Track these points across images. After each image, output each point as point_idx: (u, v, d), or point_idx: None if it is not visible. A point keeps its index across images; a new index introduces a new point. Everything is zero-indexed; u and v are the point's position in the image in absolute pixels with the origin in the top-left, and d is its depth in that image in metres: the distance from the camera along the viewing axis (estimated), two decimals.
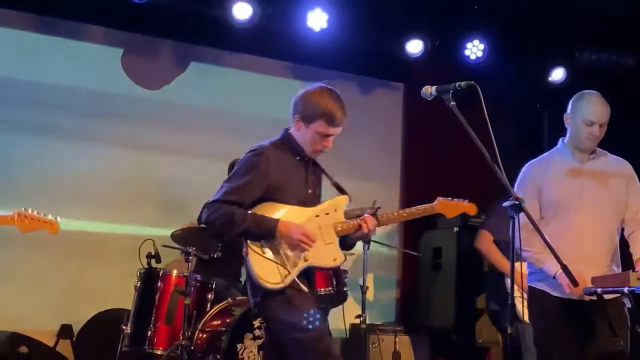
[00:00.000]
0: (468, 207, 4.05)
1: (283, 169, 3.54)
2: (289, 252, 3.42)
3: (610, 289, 3.62)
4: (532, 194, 3.94)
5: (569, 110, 4.06)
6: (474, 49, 6.72)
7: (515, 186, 4.03)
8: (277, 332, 3.48)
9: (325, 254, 3.51)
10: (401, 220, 4.35)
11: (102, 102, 6.21)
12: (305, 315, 3.34)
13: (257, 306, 3.46)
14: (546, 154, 4.14)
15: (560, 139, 4.13)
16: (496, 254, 5.38)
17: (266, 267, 3.35)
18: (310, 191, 3.61)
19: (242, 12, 5.95)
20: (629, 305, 3.73)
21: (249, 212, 3.40)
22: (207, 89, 6.60)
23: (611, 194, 3.98)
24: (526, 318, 4.92)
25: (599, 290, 3.66)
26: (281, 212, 3.47)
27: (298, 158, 3.61)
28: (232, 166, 5.77)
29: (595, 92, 4.04)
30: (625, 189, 4.01)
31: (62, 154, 6.06)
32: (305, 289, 3.39)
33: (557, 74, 6.99)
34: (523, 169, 4.10)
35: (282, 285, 3.36)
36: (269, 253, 3.38)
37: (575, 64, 6.98)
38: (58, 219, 3.82)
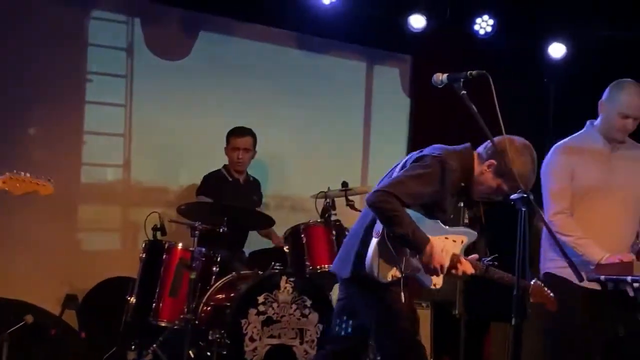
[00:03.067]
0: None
1: (452, 189, 3.49)
2: (412, 260, 3.43)
3: (614, 277, 3.64)
4: (567, 177, 3.93)
5: (605, 97, 3.99)
6: (483, 24, 6.68)
7: (546, 170, 4.00)
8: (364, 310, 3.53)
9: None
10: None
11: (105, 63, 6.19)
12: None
13: (358, 277, 3.47)
14: (574, 137, 4.08)
15: (589, 122, 4.07)
16: None
17: (382, 259, 3.36)
18: (451, 214, 3.60)
19: None
20: (631, 294, 3.74)
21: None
22: (215, 57, 6.54)
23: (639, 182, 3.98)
24: None
25: (602, 277, 3.69)
26: (422, 222, 3.42)
27: (463, 185, 3.53)
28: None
29: (634, 82, 3.95)
30: None
31: (71, 118, 6.07)
32: (403, 297, 3.43)
33: (557, 50, 6.94)
34: (553, 151, 4.04)
35: (384, 280, 3.39)
36: (394, 249, 3.37)
37: (583, 40, 6.92)
38: (51, 180, 3.86)
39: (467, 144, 3.60)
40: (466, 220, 3.68)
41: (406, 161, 3.54)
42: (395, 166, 3.62)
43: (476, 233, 3.65)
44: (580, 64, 6.99)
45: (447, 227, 3.53)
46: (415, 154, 3.54)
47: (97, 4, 6.13)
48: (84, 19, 6.09)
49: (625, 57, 6.51)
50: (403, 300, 3.43)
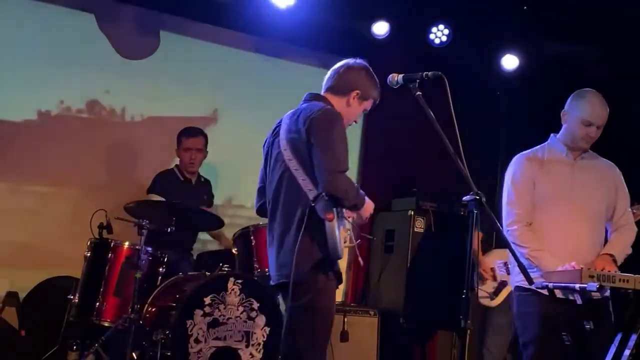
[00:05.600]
0: None
1: None
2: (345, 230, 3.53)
3: (562, 284, 3.65)
4: (527, 187, 3.95)
5: (567, 107, 4.03)
6: (439, 34, 6.72)
7: (507, 180, 4.03)
8: (309, 302, 3.45)
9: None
10: None
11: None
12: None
13: (303, 282, 3.43)
14: (537, 147, 4.12)
15: (552, 134, 4.11)
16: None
17: (340, 236, 3.44)
18: None
19: None
20: (579, 302, 3.75)
21: None
22: (170, 57, 6.47)
23: (601, 193, 4.02)
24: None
25: (550, 285, 3.69)
26: None
27: None
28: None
29: (595, 91, 3.99)
30: (615, 192, 4.05)
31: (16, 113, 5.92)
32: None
33: (510, 62, 7.01)
34: (515, 161, 4.07)
35: (342, 255, 3.48)
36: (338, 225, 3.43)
37: (536, 53, 7.00)
38: None
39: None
40: None
41: (293, 143, 3.64)
42: (268, 157, 3.88)
43: None
44: (533, 76, 7.09)
45: None
46: (289, 127, 3.75)
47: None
48: None
49: (575, 72, 6.63)
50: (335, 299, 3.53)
